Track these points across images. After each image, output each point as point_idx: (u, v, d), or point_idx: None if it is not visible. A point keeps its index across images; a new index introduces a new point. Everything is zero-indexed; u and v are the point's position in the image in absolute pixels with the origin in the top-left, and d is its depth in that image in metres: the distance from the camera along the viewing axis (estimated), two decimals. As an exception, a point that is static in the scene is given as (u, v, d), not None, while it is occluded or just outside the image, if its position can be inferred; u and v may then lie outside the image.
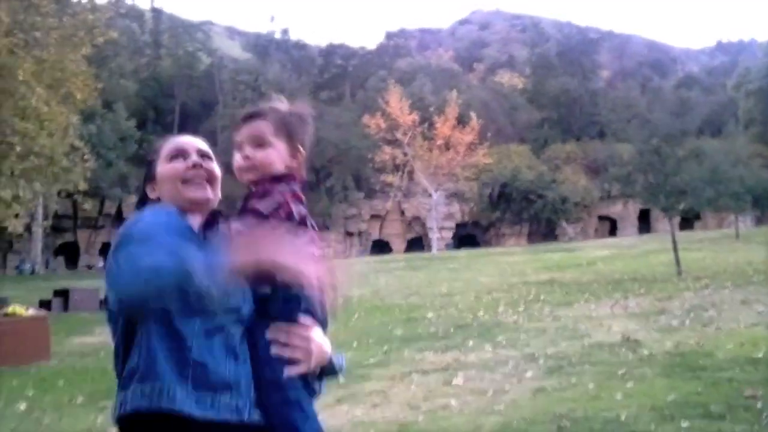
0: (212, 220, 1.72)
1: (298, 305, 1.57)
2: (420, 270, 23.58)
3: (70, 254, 48.62)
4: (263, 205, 1.63)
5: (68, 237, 48.79)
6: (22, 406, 6.58)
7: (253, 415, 1.52)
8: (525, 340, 8.51)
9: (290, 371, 1.55)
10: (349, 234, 49.36)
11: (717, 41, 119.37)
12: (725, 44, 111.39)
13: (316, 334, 1.60)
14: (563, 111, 57.81)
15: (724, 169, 20.89)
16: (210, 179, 1.77)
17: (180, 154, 1.75)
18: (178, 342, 1.49)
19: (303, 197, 1.72)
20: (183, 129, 55.56)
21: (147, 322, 1.50)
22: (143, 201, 1.77)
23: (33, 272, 37.23)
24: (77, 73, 20.14)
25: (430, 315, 11.67)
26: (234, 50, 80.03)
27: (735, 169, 23.69)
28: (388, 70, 63.59)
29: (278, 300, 1.57)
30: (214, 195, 1.77)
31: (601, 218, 50.27)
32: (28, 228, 23.66)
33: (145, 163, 1.81)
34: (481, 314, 11.27)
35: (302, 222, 1.66)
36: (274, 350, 1.55)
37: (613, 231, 49.11)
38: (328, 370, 1.65)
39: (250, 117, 1.76)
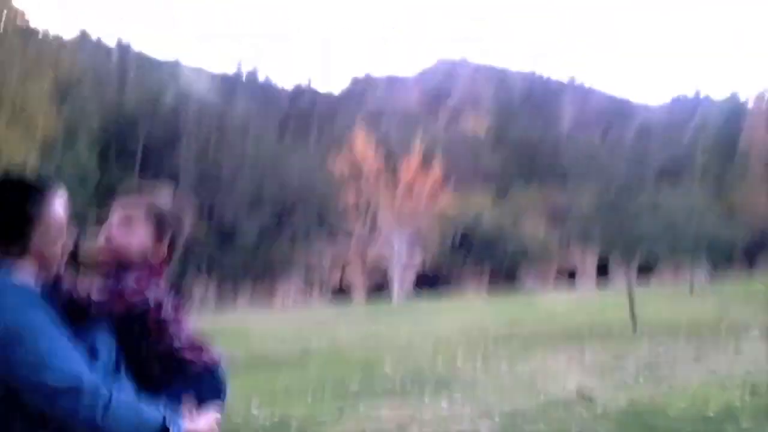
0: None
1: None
2: (380, 320, 23.47)
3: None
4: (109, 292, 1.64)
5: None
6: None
7: None
8: (481, 395, 8.49)
9: None
10: (310, 281, 48.91)
11: (673, 97, 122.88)
12: (681, 99, 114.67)
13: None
14: (525, 158, 58.71)
15: (680, 221, 21.37)
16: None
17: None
18: None
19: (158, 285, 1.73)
20: (145, 166, 55.08)
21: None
22: None
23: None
24: (39, 107, 19.93)
25: (387, 368, 11.57)
26: (200, 90, 79.89)
27: (690, 222, 24.26)
28: (354, 114, 64.12)
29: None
30: None
31: (560, 268, 50.78)
32: None
33: None
34: (439, 367, 11.22)
35: (158, 306, 1.70)
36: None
37: (571, 280, 49.65)
38: None
39: (126, 201, 1.76)
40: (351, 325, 22.07)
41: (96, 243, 1.69)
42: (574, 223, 47.89)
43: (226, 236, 45.51)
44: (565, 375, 9.70)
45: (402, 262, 44.75)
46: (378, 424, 7.25)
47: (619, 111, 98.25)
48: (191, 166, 49.01)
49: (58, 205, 1.62)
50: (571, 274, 50.45)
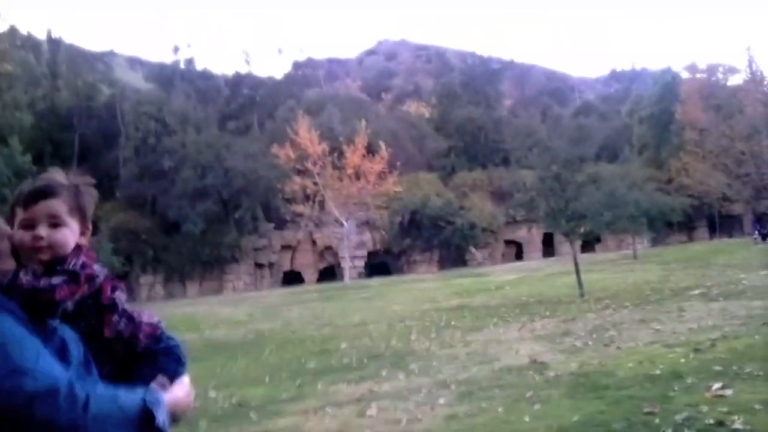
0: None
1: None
2: (333, 300, 23.51)
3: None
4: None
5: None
6: None
7: None
8: (437, 367, 8.62)
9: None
10: (260, 266, 48.61)
11: (611, 70, 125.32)
12: (619, 73, 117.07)
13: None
14: (469, 139, 59.18)
15: (621, 193, 21.95)
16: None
17: None
18: None
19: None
20: (82, 162, 53.63)
21: None
22: None
23: None
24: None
25: (343, 346, 11.64)
26: (137, 81, 78.11)
27: (631, 193, 24.91)
28: (297, 100, 63.56)
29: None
30: None
31: (508, 243, 51.54)
32: None
33: None
34: (394, 343, 11.33)
35: (107, 285, 1.73)
36: None
37: (519, 255, 50.48)
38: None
39: (43, 195, 1.68)
40: (304, 306, 22.07)
41: (21, 239, 1.65)
42: (518, 200, 48.66)
43: (171, 227, 44.78)
44: (517, 344, 9.92)
45: (352, 244, 44.81)
46: (337, 399, 7.31)
47: (558, 87, 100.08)
48: (131, 160, 47.93)
49: None
50: (519, 248, 51.35)
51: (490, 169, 54.80)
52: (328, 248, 49.17)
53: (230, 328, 17.08)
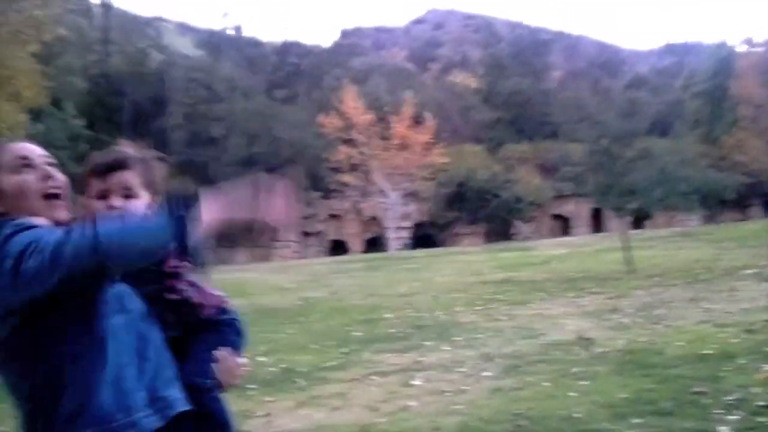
0: None
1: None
2: (378, 270, 23.63)
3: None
4: None
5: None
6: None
7: (179, 407, 1.59)
8: (482, 340, 8.64)
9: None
10: (306, 234, 49.11)
11: (665, 43, 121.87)
12: (673, 46, 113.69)
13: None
14: (516, 111, 58.47)
15: (672, 169, 21.48)
16: (65, 193, 1.70)
17: (25, 164, 1.62)
18: (105, 359, 1.47)
19: None
20: (134, 127, 54.58)
21: (57, 336, 1.43)
22: None
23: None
24: (25, 71, 19.65)
25: (388, 316, 11.74)
26: (186, 47, 78.75)
27: (683, 169, 24.36)
28: (344, 69, 63.42)
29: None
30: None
31: (555, 217, 50.99)
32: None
33: None
34: (439, 314, 11.39)
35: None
36: (215, 371, 1.77)
37: (566, 229, 49.89)
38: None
39: (117, 167, 1.74)
40: (350, 275, 22.25)
41: (96, 209, 1.71)
42: (566, 174, 48.02)
43: (219, 195, 45.44)
44: (563, 319, 9.87)
45: (397, 215, 44.88)
46: (382, 368, 7.40)
47: (609, 59, 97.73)
48: (182, 126, 48.63)
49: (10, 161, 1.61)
50: (566, 222, 50.79)
51: (538, 142, 54.11)
52: (374, 219, 49.38)
53: (278, 295, 17.35)
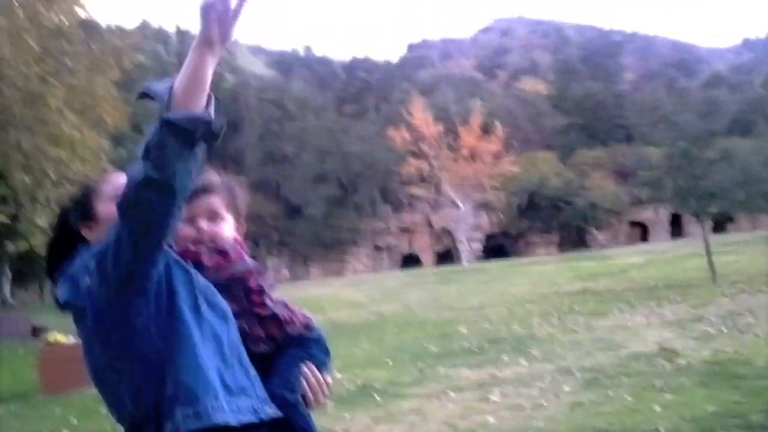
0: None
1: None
2: (451, 283, 23.55)
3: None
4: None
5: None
6: (68, 434, 6.73)
7: (267, 411, 1.60)
8: (560, 353, 8.47)
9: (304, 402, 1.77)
10: (378, 248, 49.42)
11: (743, 39, 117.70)
12: (752, 41, 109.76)
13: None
14: (589, 116, 57.42)
15: (756, 169, 20.59)
16: None
17: None
18: (211, 345, 1.52)
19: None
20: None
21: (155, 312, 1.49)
22: (69, 239, 1.70)
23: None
24: (107, 98, 20.54)
25: (463, 329, 11.67)
26: (258, 68, 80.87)
27: (766, 170, 23.35)
28: (411, 82, 63.76)
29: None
30: None
31: (632, 224, 49.65)
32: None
33: (76, 202, 1.74)
34: (515, 327, 11.24)
35: (255, 272, 1.83)
36: (303, 387, 1.77)
37: (644, 236, 48.49)
38: None
39: (203, 191, 1.79)
40: (422, 289, 22.24)
41: (184, 232, 1.79)
42: (643, 179, 46.70)
43: (294, 211, 46.29)
44: (644, 330, 9.59)
45: (468, 226, 44.61)
46: (459, 383, 7.35)
47: (684, 58, 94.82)
48: (256, 145, 49.81)
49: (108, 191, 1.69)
50: (644, 229, 49.37)
51: (612, 147, 52.94)
52: (445, 231, 49.26)
53: (352, 310, 17.48)
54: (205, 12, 1.41)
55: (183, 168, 1.39)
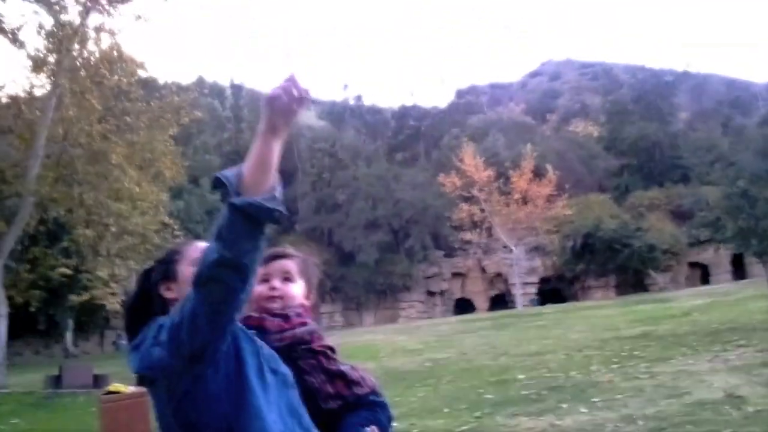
0: None
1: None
2: (506, 328, 23.21)
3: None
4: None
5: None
6: (130, 483, 6.82)
7: None
8: (622, 401, 8.26)
9: None
10: (431, 294, 49.17)
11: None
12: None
13: None
14: (643, 156, 56.63)
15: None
16: None
17: None
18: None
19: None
20: (265, 198, 57.15)
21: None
22: (148, 297, 1.80)
23: (129, 347, 38.38)
24: (166, 153, 21.27)
25: (520, 376, 11.46)
26: (310, 119, 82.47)
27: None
28: (461, 128, 64.06)
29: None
30: None
31: (692, 265, 48.27)
32: (123, 305, 24.70)
33: (161, 262, 1.85)
34: (574, 374, 10.99)
35: (319, 336, 1.94)
36: None
37: (705, 278, 47.08)
38: None
39: (279, 256, 1.96)
40: (477, 335, 21.97)
41: (257, 291, 1.90)
42: (702, 219, 45.60)
43: (347, 258, 46.54)
44: (709, 375, 9.28)
45: (522, 270, 44.09)
46: (518, 432, 7.22)
47: (739, 96, 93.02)
48: (308, 194, 50.53)
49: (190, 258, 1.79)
50: (704, 270, 47.93)
51: (668, 187, 51.94)
52: (498, 275, 48.78)
53: (407, 357, 17.37)
54: (271, 103, 1.51)
55: (251, 247, 1.49)
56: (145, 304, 1.78)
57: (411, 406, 9.70)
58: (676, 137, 57.70)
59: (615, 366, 11.33)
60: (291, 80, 1.51)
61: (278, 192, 1.55)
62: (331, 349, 1.95)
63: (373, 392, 1.98)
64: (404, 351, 19.09)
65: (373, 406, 1.96)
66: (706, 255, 46.68)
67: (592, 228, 44.66)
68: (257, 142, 1.53)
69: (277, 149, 1.55)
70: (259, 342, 1.69)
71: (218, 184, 1.56)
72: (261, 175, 1.53)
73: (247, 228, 1.48)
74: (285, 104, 1.51)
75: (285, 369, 1.74)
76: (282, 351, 1.80)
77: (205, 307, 1.49)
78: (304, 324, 1.91)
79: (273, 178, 1.55)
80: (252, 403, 1.57)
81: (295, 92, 1.51)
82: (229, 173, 1.56)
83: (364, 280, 45.84)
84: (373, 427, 1.90)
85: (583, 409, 8.01)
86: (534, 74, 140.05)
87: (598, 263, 45.40)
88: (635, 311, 23.09)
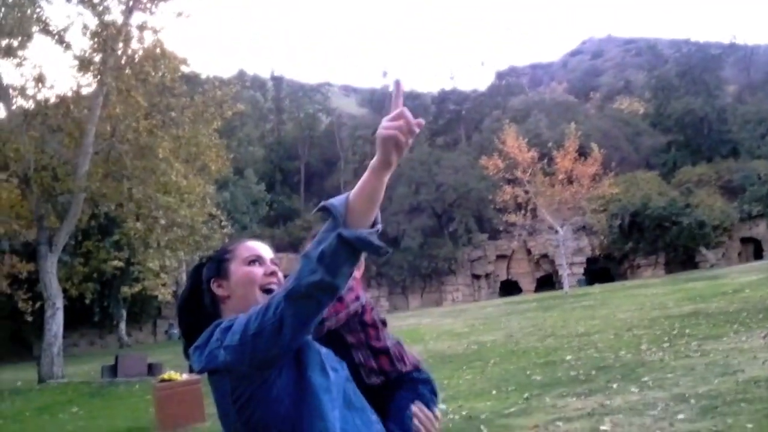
0: None
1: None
2: (553, 309, 23.04)
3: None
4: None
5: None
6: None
7: None
8: (673, 379, 8.16)
9: None
10: (476, 277, 48.98)
11: None
12: None
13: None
14: (690, 132, 55.33)
15: None
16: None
17: (257, 259, 1.86)
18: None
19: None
20: (308, 188, 57.68)
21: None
22: (200, 292, 1.86)
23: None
24: (210, 146, 21.61)
25: (568, 357, 11.40)
26: (351, 107, 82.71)
27: None
28: (502, 110, 63.45)
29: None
30: None
31: (744, 241, 47.05)
32: (175, 295, 25.29)
33: (213, 259, 1.89)
34: (623, 353, 10.89)
35: (371, 309, 2.03)
36: (415, 425, 1.90)
37: (758, 253, 45.83)
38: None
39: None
40: (523, 316, 21.87)
41: None
42: (753, 193, 44.40)
43: (391, 243, 46.67)
44: (762, 352, 9.10)
45: (569, 251, 43.57)
46: (567, 414, 7.19)
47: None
48: (351, 182, 50.71)
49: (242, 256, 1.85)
50: (757, 246, 46.70)
51: (717, 162, 50.68)
52: (544, 256, 48.32)
53: (453, 340, 17.40)
54: (385, 142, 1.57)
55: (347, 271, 1.55)
56: (196, 299, 1.86)
57: (458, 389, 9.74)
58: (724, 111, 56.16)
59: (665, 345, 11.19)
60: (403, 116, 1.56)
61: (380, 226, 1.61)
62: (383, 322, 2.00)
63: (416, 369, 2.03)
64: (450, 334, 19.12)
65: (415, 383, 2.01)
66: (758, 230, 45.51)
67: (640, 206, 43.86)
68: (369, 175, 1.60)
69: (386, 181, 1.62)
70: (317, 345, 1.74)
71: (322, 209, 1.61)
72: (368, 206, 1.60)
73: (350, 258, 1.54)
74: (401, 143, 1.57)
75: (342, 365, 1.79)
76: (336, 330, 1.86)
77: (293, 320, 1.54)
78: (357, 298, 1.97)
79: (377, 211, 1.62)
80: (314, 405, 1.62)
81: (408, 128, 1.56)
82: (336, 202, 1.61)
83: (409, 264, 45.94)
84: (418, 402, 1.95)
85: (633, 389, 7.95)
86: (575, 53, 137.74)
87: (646, 241, 44.62)
88: (685, 289, 22.71)
